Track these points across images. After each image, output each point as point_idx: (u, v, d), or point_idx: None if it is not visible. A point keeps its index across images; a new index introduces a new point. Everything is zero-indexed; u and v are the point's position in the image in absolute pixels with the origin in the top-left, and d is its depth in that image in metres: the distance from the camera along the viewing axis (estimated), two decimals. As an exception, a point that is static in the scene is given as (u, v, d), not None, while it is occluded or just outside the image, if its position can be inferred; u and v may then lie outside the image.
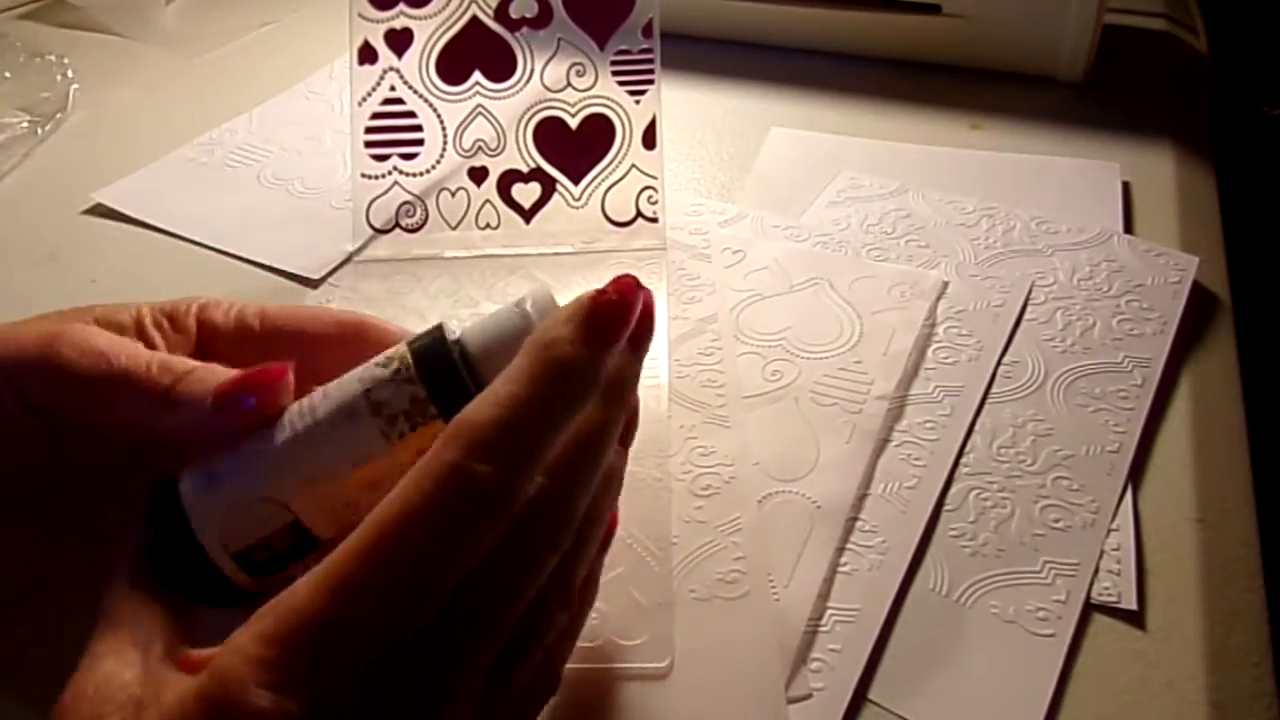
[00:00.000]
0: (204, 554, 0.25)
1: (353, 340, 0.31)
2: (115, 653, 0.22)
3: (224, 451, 0.26)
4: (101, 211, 0.52)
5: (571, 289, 0.43)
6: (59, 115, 0.61)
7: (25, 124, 0.59)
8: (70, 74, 0.64)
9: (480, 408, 0.23)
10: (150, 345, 0.29)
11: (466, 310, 0.43)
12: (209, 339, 0.31)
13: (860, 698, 0.29)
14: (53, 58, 0.65)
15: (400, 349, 0.26)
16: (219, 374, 0.27)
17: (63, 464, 0.29)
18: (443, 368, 0.25)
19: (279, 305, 0.32)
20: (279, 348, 0.31)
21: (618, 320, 0.25)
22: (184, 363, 0.27)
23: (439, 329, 0.26)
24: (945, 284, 0.43)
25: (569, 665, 0.26)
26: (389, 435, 0.25)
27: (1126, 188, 0.50)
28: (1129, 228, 0.47)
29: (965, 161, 0.52)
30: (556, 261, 0.45)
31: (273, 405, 0.26)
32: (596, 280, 0.43)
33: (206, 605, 0.25)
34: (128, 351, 0.27)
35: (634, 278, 0.26)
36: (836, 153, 0.53)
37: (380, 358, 0.26)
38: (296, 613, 0.21)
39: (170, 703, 0.21)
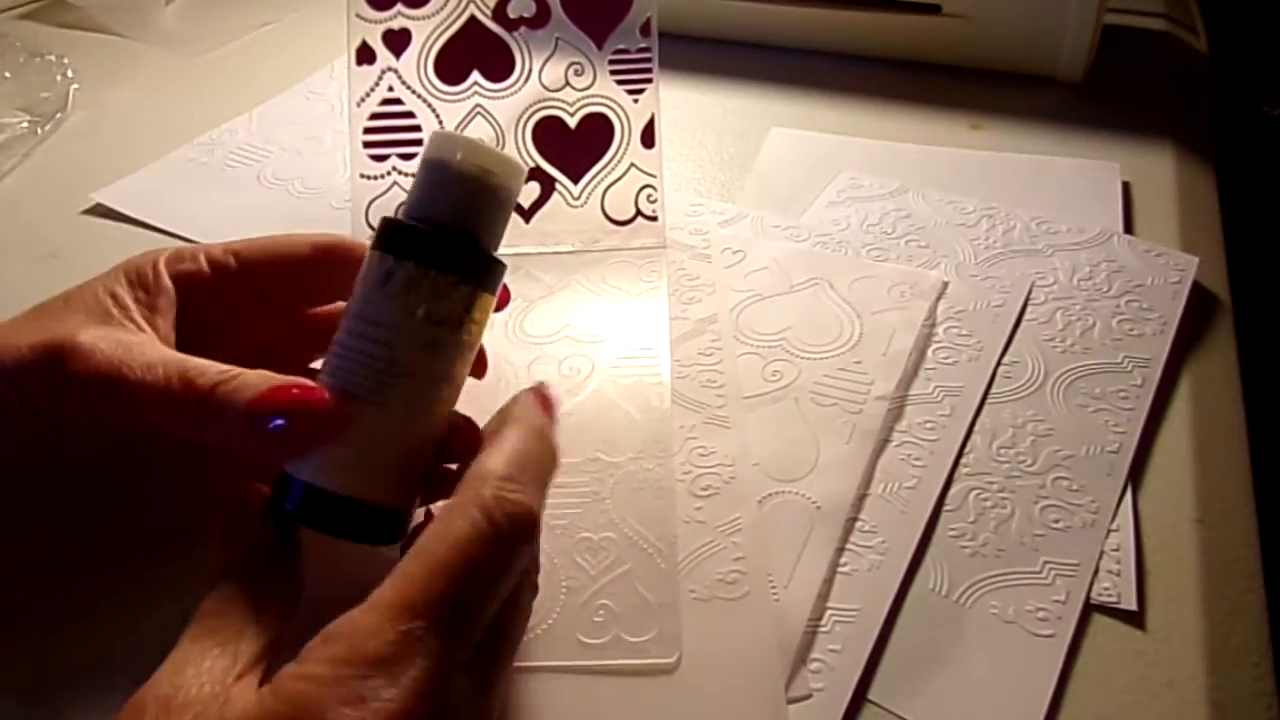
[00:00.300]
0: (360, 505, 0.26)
1: (331, 260, 0.32)
2: (199, 657, 0.22)
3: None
4: (101, 211, 0.52)
5: (572, 288, 0.43)
6: (59, 115, 0.61)
7: (25, 124, 0.59)
8: (70, 74, 0.64)
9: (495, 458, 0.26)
10: (137, 323, 0.29)
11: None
12: (189, 292, 0.31)
13: (860, 698, 0.29)
14: (53, 58, 0.65)
15: (389, 263, 0.27)
16: (246, 386, 0.26)
17: (66, 464, 0.29)
18: (451, 245, 0.27)
19: (245, 240, 0.32)
20: (262, 280, 0.32)
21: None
22: (209, 374, 0.27)
23: (397, 226, 0.28)
24: (945, 284, 0.43)
25: (577, 664, 0.26)
26: (463, 324, 0.28)
27: (1126, 188, 0.50)
28: (1129, 228, 0.47)
29: (965, 161, 0.52)
30: (556, 260, 0.45)
31: (313, 423, 0.26)
32: (597, 278, 0.44)
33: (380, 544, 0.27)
34: (142, 361, 0.27)
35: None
36: (836, 153, 0.53)
37: (374, 282, 0.27)
38: (367, 635, 0.21)
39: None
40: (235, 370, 0.27)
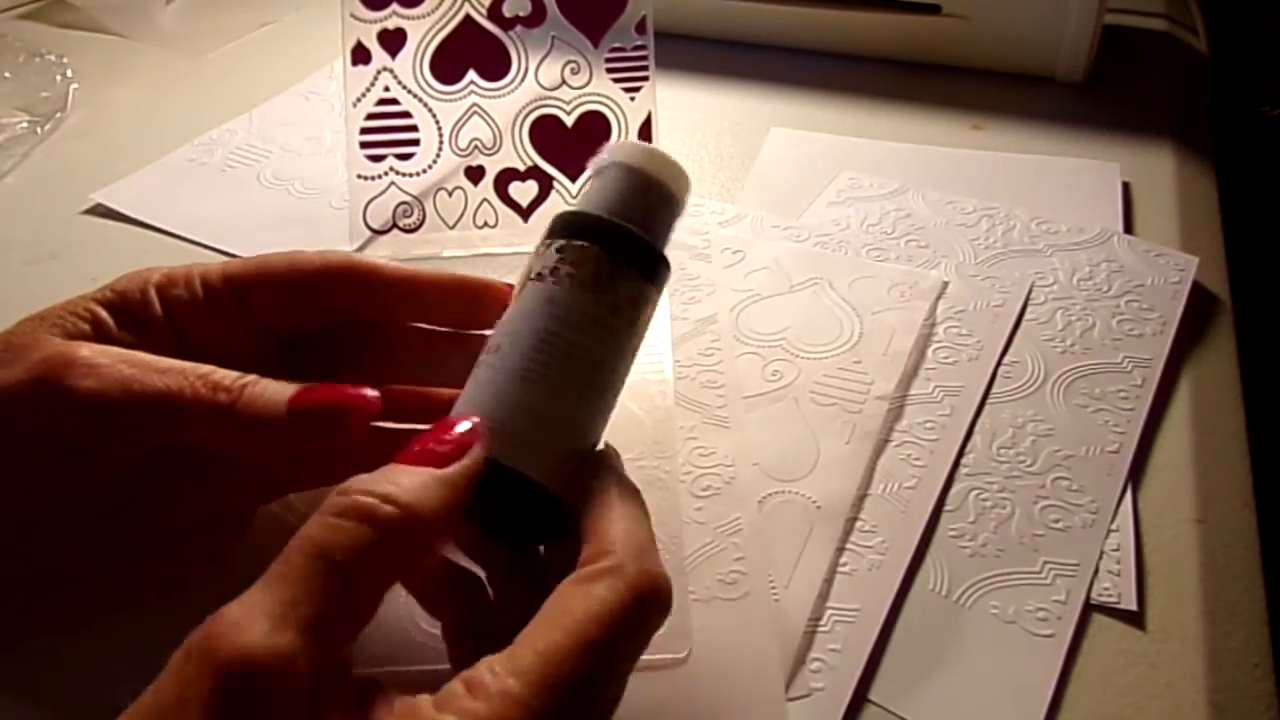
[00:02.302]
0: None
1: (338, 279, 0.30)
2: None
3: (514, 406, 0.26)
4: (101, 211, 0.52)
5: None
6: (59, 115, 0.61)
7: (25, 124, 0.59)
8: (70, 74, 0.64)
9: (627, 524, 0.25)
10: (123, 346, 0.27)
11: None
12: (183, 320, 0.29)
13: (860, 697, 0.29)
14: (52, 58, 0.65)
15: (558, 248, 0.28)
16: (279, 389, 0.26)
17: (74, 486, 0.27)
18: (619, 236, 0.28)
19: (242, 260, 0.30)
20: (261, 304, 0.30)
21: None
22: (230, 376, 0.26)
23: (568, 217, 0.29)
24: (945, 284, 0.43)
25: None
26: (634, 310, 0.28)
27: (1126, 188, 0.50)
28: (1129, 228, 0.47)
29: (965, 161, 0.52)
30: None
31: (352, 425, 0.26)
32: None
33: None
34: (157, 368, 0.26)
35: None
36: (836, 153, 0.53)
37: (546, 267, 0.28)
38: (511, 702, 0.20)
39: None
40: (252, 374, 0.26)
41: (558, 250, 0.28)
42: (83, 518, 0.28)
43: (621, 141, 0.30)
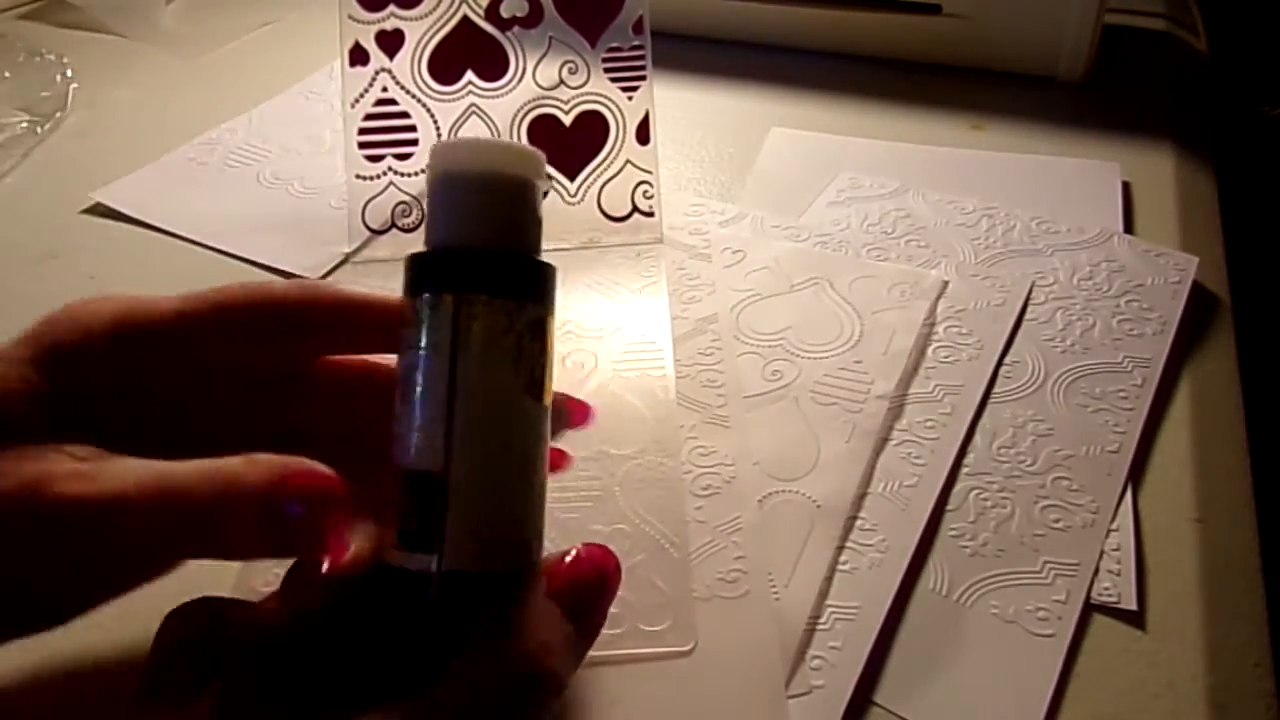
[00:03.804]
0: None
1: (296, 312, 0.27)
2: None
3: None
4: (101, 211, 0.52)
5: (571, 286, 0.43)
6: (59, 115, 0.61)
7: (25, 124, 0.59)
8: (70, 74, 0.64)
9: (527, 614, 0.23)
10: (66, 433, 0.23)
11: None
12: (139, 373, 0.25)
13: (860, 698, 0.29)
14: (52, 57, 0.65)
15: (419, 306, 0.24)
16: (253, 477, 0.22)
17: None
18: (502, 269, 0.24)
19: (196, 297, 0.26)
20: (216, 350, 0.26)
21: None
22: (191, 477, 0.22)
23: (413, 259, 0.25)
24: (945, 284, 0.43)
25: (595, 654, 0.26)
26: (520, 360, 0.24)
27: (1126, 188, 0.50)
28: (1129, 228, 0.47)
29: (965, 161, 0.52)
30: (554, 258, 0.45)
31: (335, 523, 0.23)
32: (597, 278, 0.43)
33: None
34: (114, 490, 0.22)
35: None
36: (836, 153, 0.53)
37: (418, 330, 0.24)
38: None
39: None
40: (218, 462, 0.22)
41: (423, 310, 0.24)
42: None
43: (445, 143, 0.25)
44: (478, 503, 0.23)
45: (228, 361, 0.26)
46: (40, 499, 0.21)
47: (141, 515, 0.21)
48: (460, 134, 0.45)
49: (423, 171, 0.46)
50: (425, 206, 0.26)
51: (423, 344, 0.24)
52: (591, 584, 0.24)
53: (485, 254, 0.24)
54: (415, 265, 0.25)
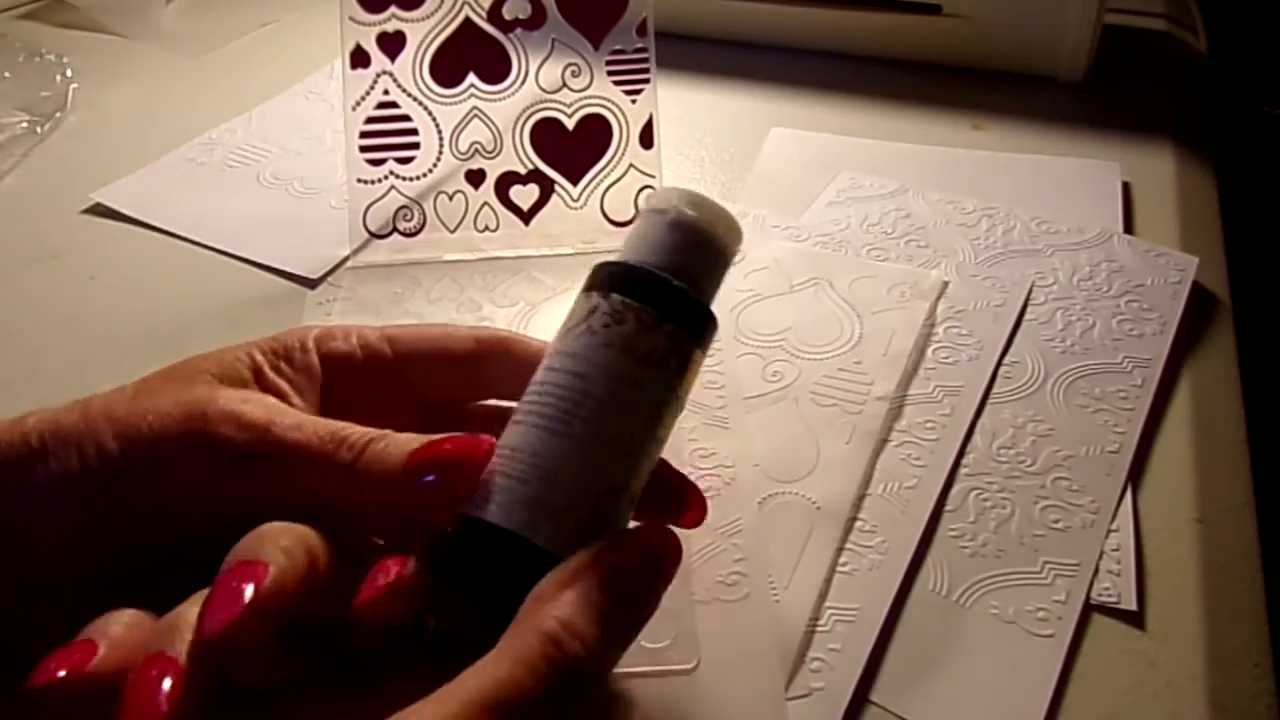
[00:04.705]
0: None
1: (495, 356, 0.30)
2: None
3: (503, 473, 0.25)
4: (101, 211, 0.52)
5: (574, 289, 0.43)
6: (58, 115, 0.61)
7: (25, 124, 0.59)
8: (70, 74, 0.64)
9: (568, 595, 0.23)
10: (277, 394, 0.27)
11: (470, 314, 0.43)
12: (336, 373, 0.29)
13: (860, 697, 0.29)
14: (52, 57, 0.65)
15: (594, 300, 0.26)
16: (401, 445, 0.25)
17: (181, 535, 0.26)
18: (659, 288, 0.26)
19: (401, 327, 0.30)
20: (417, 372, 0.30)
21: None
22: (358, 433, 0.25)
23: (607, 267, 0.27)
24: (945, 284, 0.43)
25: None
26: (667, 367, 0.26)
27: (1126, 188, 0.50)
28: (1129, 228, 0.47)
29: (965, 161, 0.52)
30: (558, 262, 0.45)
31: (472, 480, 0.25)
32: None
33: None
34: (290, 422, 0.25)
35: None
36: (836, 153, 0.53)
37: (578, 319, 0.26)
38: None
39: None
40: (385, 431, 0.25)
41: (598, 304, 0.26)
42: (182, 559, 0.27)
43: (670, 188, 0.28)
44: (584, 494, 0.25)
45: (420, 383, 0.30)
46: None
47: (301, 447, 0.25)
48: (467, 136, 0.45)
49: (424, 175, 0.46)
50: (637, 228, 0.28)
51: (625, 347, 0.26)
52: (641, 567, 0.24)
53: (656, 274, 0.27)
54: (596, 270, 0.28)
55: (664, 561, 0.24)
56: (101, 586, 0.25)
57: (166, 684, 0.21)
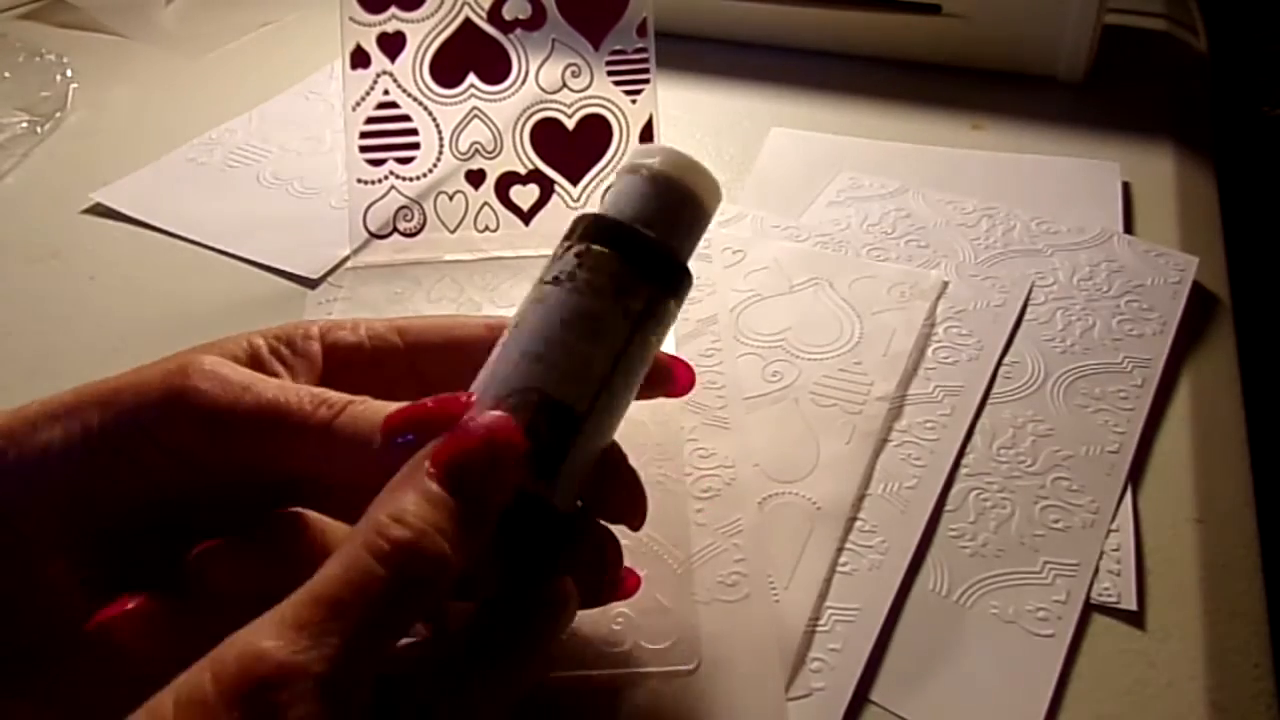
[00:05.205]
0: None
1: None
2: None
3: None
4: (101, 211, 0.52)
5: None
6: (58, 115, 0.61)
7: (25, 124, 0.59)
8: (70, 74, 0.64)
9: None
10: (271, 375, 0.27)
11: (470, 314, 0.43)
12: (339, 363, 0.29)
13: (860, 697, 0.29)
14: (52, 57, 0.65)
15: (566, 247, 0.28)
16: (380, 408, 0.25)
17: (189, 505, 0.26)
18: (628, 236, 0.28)
19: (410, 318, 0.30)
20: (429, 363, 0.30)
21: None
22: (337, 395, 0.25)
23: (583, 219, 0.28)
24: (945, 284, 0.43)
25: (598, 673, 0.25)
26: (630, 310, 0.27)
27: (1126, 188, 0.50)
28: (1129, 228, 0.47)
29: (965, 161, 0.52)
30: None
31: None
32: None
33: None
34: (270, 383, 0.25)
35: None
36: (836, 153, 0.53)
37: (550, 264, 0.28)
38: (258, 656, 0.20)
39: None
40: (364, 397, 0.25)
41: (576, 255, 0.27)
42: (172, 524, 0.27)
43: (650, 145, 0.29)
44: (587, 452, 0.26)
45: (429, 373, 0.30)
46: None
47: (279, 409, 0.25)
48: (467, 136, 0.45)
49: (424, 175, 0.46)
50: (617, 184, 0.29)
51: (604, 294, 0.27)
52: (476, 456, 0.24)
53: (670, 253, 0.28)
54: (591, 221, 0.28)
55: (495, 441, 0.24)
56: (89, 557, 0.25)
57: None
